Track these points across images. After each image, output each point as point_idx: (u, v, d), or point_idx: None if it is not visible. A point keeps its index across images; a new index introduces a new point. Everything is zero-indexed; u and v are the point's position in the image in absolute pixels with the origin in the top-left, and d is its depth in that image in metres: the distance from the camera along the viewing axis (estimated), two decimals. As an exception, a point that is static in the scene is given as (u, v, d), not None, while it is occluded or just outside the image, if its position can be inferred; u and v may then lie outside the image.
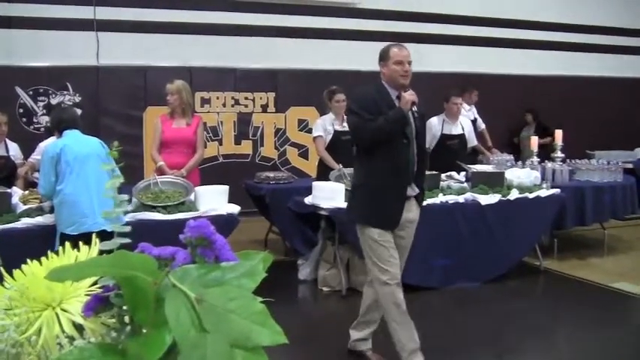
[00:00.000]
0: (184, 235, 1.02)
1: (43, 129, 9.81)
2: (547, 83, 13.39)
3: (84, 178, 5.59)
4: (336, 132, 8.28)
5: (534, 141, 9.13)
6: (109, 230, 1.17)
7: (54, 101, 10.26)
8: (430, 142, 8.58)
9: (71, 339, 1.11)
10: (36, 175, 7.05)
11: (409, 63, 5.04)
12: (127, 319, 1.03)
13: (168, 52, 10.75)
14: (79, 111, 8.78)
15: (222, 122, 11.37)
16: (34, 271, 1.20)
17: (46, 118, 9.51)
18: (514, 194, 7.85)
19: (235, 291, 0.94)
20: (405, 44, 5.23)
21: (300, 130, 11.78)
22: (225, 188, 6.85)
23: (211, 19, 11.06)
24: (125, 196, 1.27)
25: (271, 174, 8.95)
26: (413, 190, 5.11)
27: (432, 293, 7.13)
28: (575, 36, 13.81)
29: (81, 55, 10.29)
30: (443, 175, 8.03)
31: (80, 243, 1.28)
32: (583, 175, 9.08)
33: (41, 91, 10.33)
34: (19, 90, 10.22)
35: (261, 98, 11.57)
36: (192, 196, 6.71)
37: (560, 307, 7.13)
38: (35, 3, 10.11)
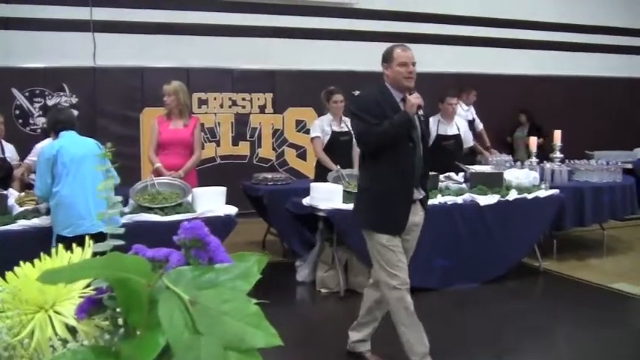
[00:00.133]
0: (178, 236, 1.02)
1: (39, 130, 9.78)
2: (545, 83, 13.38)
3: (80, 179, 5.56)
4: (334, 133, 8.25)
5: (533, 142, 9.11)
6: (122, 231, 1.18)
7: (50, 102, 10.23)
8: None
9: (64, 342, 1.10)
10: (32, 176, 7.02)
11: (413, 64, 4.97)
12: (120, 321, 1.03)
13: (165, 53, 10.73)
14: (75, 112, 8.74)
15: (219, 123, 11.35)
16: (26, 273, 1.19)
17: (43, 120, 9.47)
18: (513, 195, 7.83)
19: (229, 293, 0.94)
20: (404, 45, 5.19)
21: (298, 131, 11.75)
22: (222, 189, 6.83)
23: (208, 20, 11.03)
24: (119, 198, 1.26)
25: (269, 175, 8.94)
26: (419, 194, 5.07)
27: (431, 294, 7.10)
28: (573, 36, 13.79)
29: (77, 56, 10.26)
30: (441, 176, 8.01)
31: (74, 245, 1.26)
32: (582, 175, 9.06)
33: (37, 92, 10.30)
34: (15, 91, 10.19)
35: (258, 99, 11.54)
36: (189, 198, 6.70)
37: (560, 307, 7.11)
38: (31, 4, 10.08)
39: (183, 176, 7.01)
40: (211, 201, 6.66)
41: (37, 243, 5.49)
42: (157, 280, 0.94)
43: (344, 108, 8.41)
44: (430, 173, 7.42)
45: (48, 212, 5.92)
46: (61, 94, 10.37)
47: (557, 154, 9.05)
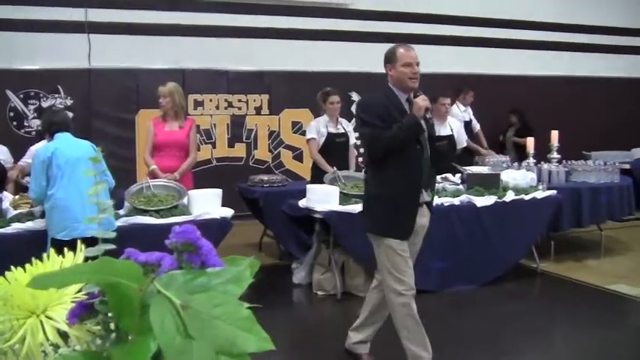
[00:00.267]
0: (170, 240, 1.02)
1: (34, 132, 9.75)
2: (543, 84, 13.36)
3: (76, 182, 5.52)
4: (329, 134, 8.23)
5: (530, 142, 9.08)
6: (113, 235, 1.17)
7: (45, 104, 10.19)
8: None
9: (56, 347, 1.09)
10: (27, 179, 6.98)
11: (417, 64, 4.91)
12: (112, 326, 1.03)
13: (161, 55, 10.70)
14: (70, 114, 8.72)
15: (215, 125, 11.32)
16: (17, 278, 1.17)
17: (37, 122, 9.43)
18: (510, 196, 7.80)
19: (221, 297, 0.94)
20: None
21: (294, 133, 11.73)
22: (218, 192, 6.81)
23: (204, 21, 11.01)
24: (110, 202, 1.24)
25: (265, 177, 8.92)
26: (428, 196, 5.03)
27: (428, 296, 7.07)
28: (571, 36, 13.79)
29: (72, 57, 10.22)
30: (438, 177, 7.97)
31: (65, 249, 1.25)
32: (579, 176, 9.04)
33: (32, 94, 10.26)
34: (9, 93, 10.15)
35: (254, 100, 11.52)
36: (185, 200, 6.68)
37: (557, 309, 7.09)
38: (26, 5, 10.04)
39: (178, 178, 7.00)
40: (207, 203, 6.64)
41: (32, 246, 5.45)
42: (148, 285, 0.94)
43: (340, 109, 8.40)
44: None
45: (42, 215, 5.89)
46: (56, 95, 10.33)
47: (555, 155, 9.03)
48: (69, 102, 10.36)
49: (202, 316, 0.90)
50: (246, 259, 1.03)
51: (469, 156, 9.93)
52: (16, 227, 5.92)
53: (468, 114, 10.78)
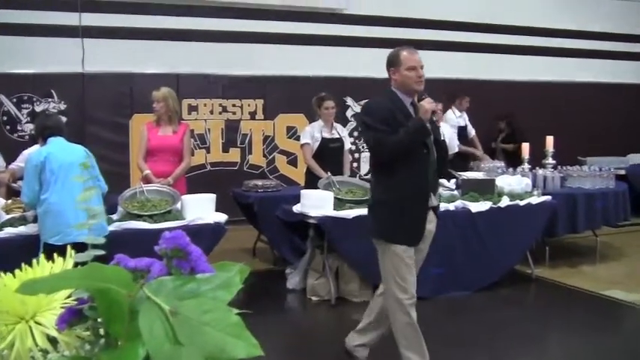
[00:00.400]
0: (159, 246, 1.02)
1: (27, 137, 9.70)
2: (538, 89, 13.37)
3: (69, 187, 5.49)
4: (323, 139, 8.19)
5: (525, 148, 9.07)
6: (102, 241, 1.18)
7: (38, 108, 10.14)
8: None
9: (45, 352, 1.10)
10: (19, 183, 6.94)
11: (422, 67, 4.85)
12: (101, 331, 1.03)
13: (155, 59, 10.67)
14: (64, 118, 8.68)
15: (209, 130, 11.29)
16: (7, 283, 1.17)
17: (31, 126, 9.40)
18: (505, 201, 7.79)
19: (210, 303, 0.94)
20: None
21: (288, 138, 11.70)
22: (212, 197, 6.79)
23: (198, 26, 10.98)
24: (99, 209, 1.25)
25: (259, 182, 8.90)
26: (435, 200, 4.98)
27: (423, 303, 7.00)
28: (567, 42, 13.79)
29: (66, 61, 10.18)
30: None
31: (55, 255, 1.25)
32: (575, 181, 9.02)
33: (25, 98, 10.22)
34: (2, 97, 10.11)
35: (249, 105, 11.49)
36: (178, 205, 6.66)
37: (552, 314, 7.07)
38: (19, 9, 9.99)
39: (172, 183, 6.98)
40: (201, 208, 6.62)
41: (24, 251, 5.41)
42: (137, 291, 0.94)
43: (335, 114, 8.38)
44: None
45: (35, 220, 5.86)
46: (50, 100, 10.29)
47: (550, 160, 9.02)
48: (62, 106, 10.31)
49: (191, 322, 0.90)
50: (236, 265, 1.03)
51: (464, 161, 9.91)
52: (8, 232, 5.90)
53: (463, 119, 10.77)
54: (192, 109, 11.11)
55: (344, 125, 9.79)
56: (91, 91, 10.47)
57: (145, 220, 6.33)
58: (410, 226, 4.83)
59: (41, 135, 5.87)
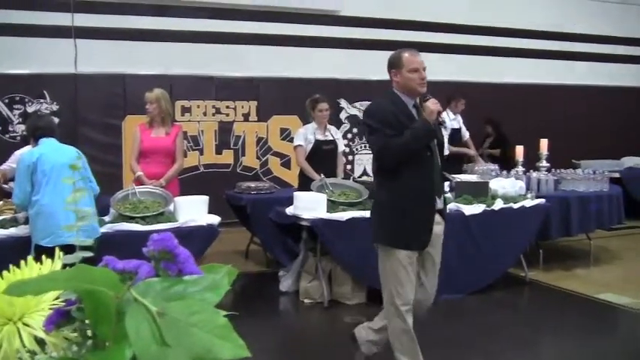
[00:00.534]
0: (147, 248, 1.02)
1: (19, 138, 9.66)
2: (533, 92, 13.37)
3: (61, 188, 5.45)
4: (317, 141, 8.17)
5: (519, 150, 9.05)
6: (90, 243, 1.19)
7: (30, 109, 10.11)
8: None
9: (32, 354, 1.09)
10: (10, 184, 6.90)
11: (424, 69, 4.78)
12: (89, 332, 1.03)
13: (148, 60, 10.64)
14: (56, 119, 8.65)
15: (202, 131, 11.26)
16: None
17: (22, 127, 9.36)
18: (498, 204, 7.77)
19: (198, 305, 0.93)
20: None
21: (282, 140, 11.68)
22: (204, 198, 6.77)
23: (192, 27, 10.96)
24: (89, 210, 1.26)
25: (252, 184, 8.90)
26: (441, 203, 4.88)
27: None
28: (562, 44, 13.82)
29: (58, 62, 10.15)
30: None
31: (44, 256, 1.25)
32: (568, 184, 9.02)
33: (17, 99, 10.18)
34: (-6, 98, 10.08)
35: (242, 107, 11.46)
36: (171, 207, 6.64)
37: (546, 318, 7.05)
38: (12, 9, 9.96)
39: (164, 185, 6.96)
40: (193, 210, 6.60)
41: (16, 253, 5.34)
42: (125, 292, 0.94)
43: (329, 116, 8.36)
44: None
45: (26, 221, 5.83)
46: (42, 101, 10.25)
47: (544, 163, 9.02)
48: (55, 107, 10.28)
49: (178, 323, 0.89)
50: (224, 267, 1.03)
51: (457, 164, 9.89)
52: (-1, 233, 5.86)
53: (457, 122, 10.74)
54: (186, 110, 11.08)
55: (338, 127, 9.76)
56: (84, 92, 10.43)
57: (137, 222, 6.32)
58: (415, 230, 4.74)
59: (33, 135, 5.85)
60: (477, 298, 7.47)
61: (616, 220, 9.16)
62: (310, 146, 8.16)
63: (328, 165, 8.16)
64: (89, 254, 1.15)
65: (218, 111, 11.34)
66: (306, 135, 8.21)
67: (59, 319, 1.04)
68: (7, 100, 10.13)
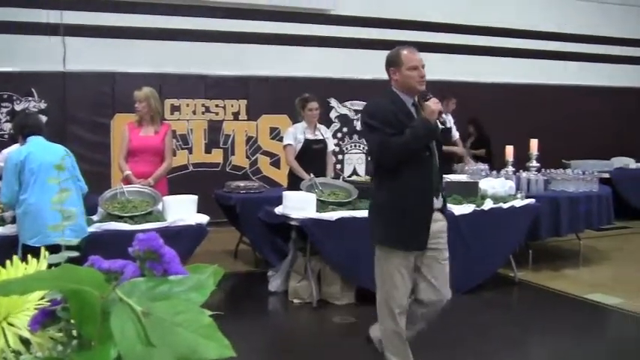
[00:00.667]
0: (133, 248, 1.02)
1: (6, 136, 9.61)
2: (523, 92, 13.39)
3: (48, 187, 5.39)
4: (307, 140, 8.15)
5: (509, 151, 9.05)
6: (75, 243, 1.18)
7: (18, 107, 10.07)
8: None
9: (17, 354, 1.08)
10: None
11: (423, 67, 4.74)
12: (74, 332, 1.03)
13: (137, 58, 10.60)
14: (44, 118, 8.61)
15: (192, 130, 11.23)
16: None
17: (10, 125, 9.30)
18: (488, 204, 7.76)
19: (183, 304, 0.94)
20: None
21: (272, 139, 11.66)
22: (193, 198, 6.74)
23: (181, 25, 10.93)
24: (74, 210, 1.26)
25: (242, 183, 8.87)
26: (438, 203, 4.82)
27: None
28: (551, 44, 13.84)
29: (47, 60, 10.11)
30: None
31: (29, 256, 1.25)
32: (558, 185, 9.03)
33: (5, 97, 10.14)
34: (-19, 96, 10.04)
35: (232, 106, 11.44)
36: (160, 206, 6.60)
37: (535, 318, 7.05)
38: None
39: (153, 184, 6.93)
40: (182, 209, 6.57)
41: (3, 252, 5.30)
42: (110, 292, 0.94)
43: (319, 115, 8.34)
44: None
45: (13, 221, 5.78)
46: (30, 99, 10.20)
47: (534, 163, 9.02)
48: (43, 105, 10.24)
49: (164, 323, 0.89)
50: (210, 267, 1.03)
51: (447, 163, 9.87)
52: (-15, 232, 5.82)
53: (448, 121, 10.72)
54: (175, 109, 11.05)
55: (328, 126, 9.74)
56: (72, 91, 10.40)
57: (125, 222, 6.28)
58: (412, 230, 4.69)
59: (20, 133, 5.81)
60: (466, 298, 7.44)
61: (605, 220, 9.18)
62: (300, 145, 8.14)
63: (318, 164, 8.14)
64: (75, 254, 1.15)
65: (207, 110, 11.31)
66: (295, 134, 8.18)
67: (44, 318, 1.04)
68: (-6, 98, 10.10)
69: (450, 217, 7.32)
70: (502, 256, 7.97)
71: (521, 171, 9.02)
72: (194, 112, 11.22)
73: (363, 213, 7.03)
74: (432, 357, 5.69)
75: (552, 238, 9.06)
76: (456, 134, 10.79)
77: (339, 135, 12.19)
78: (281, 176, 10.75)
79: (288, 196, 7.24)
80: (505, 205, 7.86)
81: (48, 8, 10.10)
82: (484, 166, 9.28)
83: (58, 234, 1.18)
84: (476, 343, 6.20)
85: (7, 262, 1.21)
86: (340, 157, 12.25)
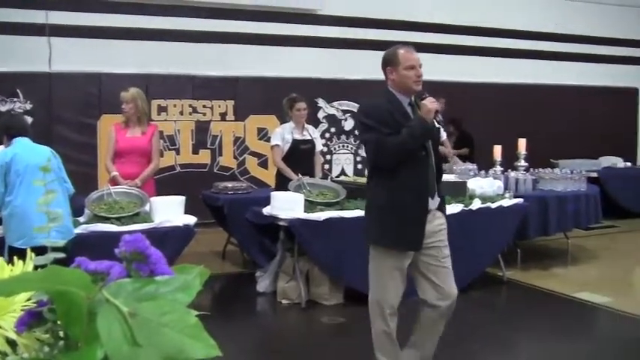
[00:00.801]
0: (119, 249, 1.02)
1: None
2: (511, 91, 13.41)
3: (35, 189, 5.35)
4: (294, 141, 8.14)
5: (498, 150, 9.05)
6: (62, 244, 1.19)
7: (3, 108, 9.99)
8: None
9: (4, 355, 1.09)
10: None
11: (420, 66, 4.71)
12: (61, 334, 1.03)
13: (124, 59, 10.56)
14: (29, 119, 8.56)
15: (179, 131, 11.19)
16: None
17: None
18: (477, 204, 7.76)
19: (169, 305, 0.94)
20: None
21: (259, 139, 11.63)
22: (181, 199, 6.71)
23: (168, 25, 10.90)
24: (60, 211, 1.27)
25: (229, 184, 8.86)
26: (434, 203, 4.78)
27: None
28: (540, 44, 13.87)
29: (32, 60, 10.06)
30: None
31: (16, 258, 1.26)
32: (546, 184, 9.06)
33: (-10, 98, 10.08)
34: (-34, 97, 9.97)
35: (219, 106, 11.41)
36: (147, 207, 6.58)
37: (523, 317, 7.05)
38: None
39: (140, 185, 6.90)
40: (170, 210, 6.53)
41: (-13, 254, 5.30)
42: (96, 293, 0.94)
43: (307, 116, 8.32)
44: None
45: (0, 222, 5.72)
46: (15, 100, 10.14)
47: (522, 163, 9.03)
48: (28, 106, 10.17)
49: (150, 323, 0.90)
50: (196, 267, 1.03)
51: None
52: (-29, 235, 5.77)
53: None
54: (162, 109, 11.01)
55: (315, 127, 9.72)
56: (59, 91, 10.34)
57: (112, 223, 6.23)
58: (407, 230, 4.65)
59: (6, 133, 5.76)
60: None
61: (593, 219, 9.23)
62: (288, 146, 8.13)
63: (306, 164, 8.13)
64: (61, 255, 1.15)
65: (195, 110, 11.27)
66: (283, 134, 8.17)
67: (31, 320, 1.04)
68: (-21, 100, 10.03)
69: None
70: (490, 255, 7.97)
71: (509, 170, 9.03)
72: (181, 113, 11.18)
73: (352, 213, 7.06)
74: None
75: (541, 237, 9.10)
76: (443, 134, 10.79)
77: (327, 135, 12.18)
78: (269, 177, 10.72)
79: (276, 196, 7.21)
80: (493, 205, 7.86)
81: (33, 8, 10.04)
82: (472, 166, 9.28)
83: (44, 235, 1.18)
84: (464, 342, 6.18)
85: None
86: (328, 157, 12.23)
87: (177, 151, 11.22)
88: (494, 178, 8.52)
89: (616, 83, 14.74)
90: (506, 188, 8.45)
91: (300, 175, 7.77)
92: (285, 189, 7.56)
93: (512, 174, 8.96)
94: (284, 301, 7.29)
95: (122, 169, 7.03)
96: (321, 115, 12.11)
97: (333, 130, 12.30)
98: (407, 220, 4.63)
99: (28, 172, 5.41)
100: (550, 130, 13.00)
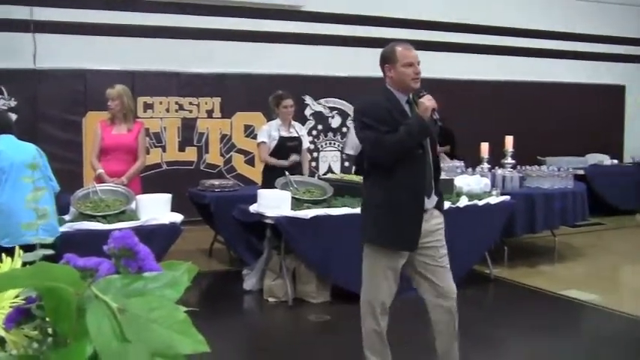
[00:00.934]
0: (108, 246, 1.04)
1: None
2: (498, 89, 13.42)
3: (20, 187, 5.32)
4: (281, 138, 8.12)
5: (484, 147, 9.06)
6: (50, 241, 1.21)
7: (-13, 106, 9.94)
8: (356, 148, 8.46)
9: None
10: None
11: (418, 63, 4.68)
12: (50, 330, 1.04)
13: (110, 55, 10.49)
14: (14, 116, 8.50)
15: (165, 128, 11.14)
16: None
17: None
18: (463, 201, 7.76)
19: (157, 301, 0.96)
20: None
21: (246, 136, 11.59)
22: (167, 197, 6.69)
23: (155, 22, 10.85)
24: (48, 208, 1.32)
25: (216, 182, 8.84)
26: (431, 202, 4.73)
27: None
28: (527, 41, 13.87)
29: (17, 57, 9.97)
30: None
31: (4, 255, 1.27)
32: (533, 181, 9.07)
33: (-26, 95, 10.01)
34: (-51, 94, 9.90)
35: (206, 103, 11.36)
36: (133, 205, 6.55)
37: (511, 314, 7.07)
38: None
39: (126, 183, 6.88)
40: (156, 208, 6.51)
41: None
42: (85, 289, 0.95)
43: (293, 113, 8.30)
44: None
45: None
46: (-1, 97, 10.09)
47: (509, 160, 9.05)
48: (12, 103, 10.09)
49: (139, 319, 0.92)
50: (184, 263, 1.05)
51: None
52: (-45, 233, 5.71)
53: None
54: (148, 106, 10.95)
55: (302, 124, 9.69)
56: (44, 88, 10.27)
57: (98, 221, 6.21)
58: (402, 229, 4.63)
59: (-10, 131, 5.72)
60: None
61: (580, 216, 9.24)
62: (275, 143, 8.10)
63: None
64: (50, 252, 1.16)
65: (181, 107, 11.22)
66: (269, 132, 8.14)
67: (19, 316, 1.05)
68: (-38, 97, 9.97)
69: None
70: (477, 253, 7.97)
71: (496, 168, 9.04)
72: (167, 110, 11.13)
73: (339, 211, 7.07)
74: (406, 355, 5.68)
75: (528, 234, 9.12)
76: (431, 132, 10.82)
77: (314, 132, 12.15)
78: (256, 174, 10.68)
79: (263, 194, 7.20)
80: (480, 202, 7.87)
81: (17, 4, 9.98)
82: (459, 163, 9.29)
83: (32, 233, 1.16)
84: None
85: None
86: (315, 154, 12.21)
87: (164, 149, 11.16)
88: (482, 176, 8.52)
89: (603, 80, 14.78)
90: (493, 186, 8.46)
91: (287, 173, 7.75)
92: (272, 186, 7.54)
93: (499, 171, 8.97)
94: (271, 299, 7.28)
95: (108, 167, 7.01)
96: (308, 112, 12.08)
97: (320, 127, 12.28)
98: (403, 219, 4.60)
99: (14, 170, 5.37)
100: (537, 127, 13.02)
